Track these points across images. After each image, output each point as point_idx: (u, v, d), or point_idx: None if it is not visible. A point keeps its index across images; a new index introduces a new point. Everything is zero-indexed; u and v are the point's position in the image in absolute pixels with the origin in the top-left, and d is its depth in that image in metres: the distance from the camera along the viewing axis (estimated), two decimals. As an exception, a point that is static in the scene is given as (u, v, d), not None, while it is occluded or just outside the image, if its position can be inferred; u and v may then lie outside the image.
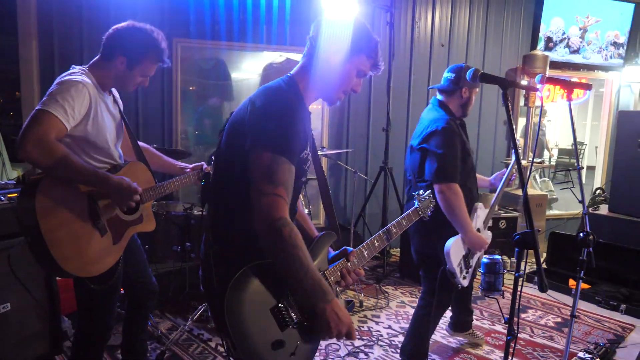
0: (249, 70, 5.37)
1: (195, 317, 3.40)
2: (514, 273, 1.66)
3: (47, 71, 4.21)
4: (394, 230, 1.89)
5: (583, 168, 2.52)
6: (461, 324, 3.40)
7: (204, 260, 1.60)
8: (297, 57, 5.84)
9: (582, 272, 2.47)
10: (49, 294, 2.89)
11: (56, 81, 1.95)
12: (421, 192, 2.00)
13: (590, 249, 2.41)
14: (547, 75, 2.30)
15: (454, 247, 2.59)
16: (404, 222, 1.91)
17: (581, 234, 2.41)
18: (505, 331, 3.49)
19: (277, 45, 4.85)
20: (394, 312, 3.93)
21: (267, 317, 1.45)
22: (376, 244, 1.79)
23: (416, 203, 1.96)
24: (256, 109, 1.49)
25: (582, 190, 2.48)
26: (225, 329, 1.39)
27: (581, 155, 9.69)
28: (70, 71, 2.02)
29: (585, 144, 10.36)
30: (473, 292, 3.53)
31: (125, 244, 2.14)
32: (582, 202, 2.46)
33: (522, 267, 1.69)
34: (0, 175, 3.74)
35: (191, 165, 2.56)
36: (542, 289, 1.65)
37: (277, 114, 1.46)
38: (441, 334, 3.53)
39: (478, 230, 2.82)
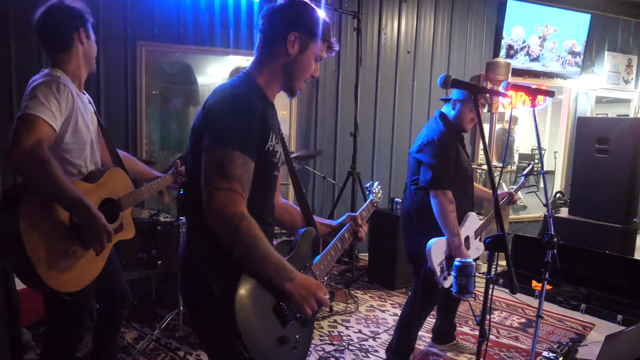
0: (215, 75, 5.32)
1: (162, 325, 3.33)
2: (483, 275, 1.70)
3: (3, 76, 4.05)
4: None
5: (547, 172, 2.60)
6: (443, 336, 3.42)
7: (186, 267, 1.57)
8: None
9: (547, 273, 2.53)
10: (8, 306, 2.78)
11: (33, 84, 1.85)
12: (370, 183, 2.09)
13: (555, 250, 2.48)
14: (511, 82, 2.36)
15: (436, 246, 2.70)
16: (365, 214, 1.97)
17: (546, 237, 2.48)
18: (472, 332, 3.58)
19: (246, 50, 4.82)
20: (364, 317, 3.94)
21: (270, 316, 1.48)
22: (346, 236, 1.83)
23: (371, 196, 2.04)
24: (208, 108, 1.47)
25: (546, 194, 2.56)
26: (224, 333, 1.41)
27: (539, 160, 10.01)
28: (43, 73, 1.92)
29: (545, 149, 10.70)
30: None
31: (108, 253, 2.08)
32: (546, 205, 2.53)
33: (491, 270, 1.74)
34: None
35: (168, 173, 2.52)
36: (513, 291, 1.69)
37: (228, 109, 1.44)
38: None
39: (467, 237, 2.93)
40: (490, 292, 1.74)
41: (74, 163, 1.98)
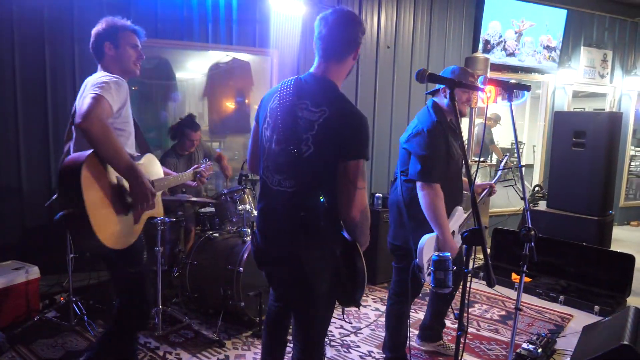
0: (194, 70, 5.26)
1: (141, 325, 3.27)
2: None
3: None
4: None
5: (524, 166, 2.61)
6: (430, 333, 3.29)
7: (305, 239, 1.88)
8: (244, 56, 5.71)
9: (525, 266, 2.56)
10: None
11: (94, 81, 2.11)
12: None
13: (532, 243, 2.50)
14: (488, 77, 2.37)
15: (428, 243, 2.62)
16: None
17: (523, 230, 2.50)
18: (452, 326, 3.59)
19: (225, 45, 4.76)
20: (346, 312, 3.94)
21: None
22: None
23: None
24: (346, 126, 1.89)
25: (523, 188, 2.57)
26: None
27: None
28: (103, 73, 2.24)
29: (524, 143, 10.83)
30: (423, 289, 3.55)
31: (142, 226, 2.31)
32: (524, 198, 2.55)
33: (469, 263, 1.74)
34: None
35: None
36: (490, 285, 1.70)
37: (362, 127, 1.91)
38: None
39: (453, 232, 2.86)
40: (468, 286, 1.75)
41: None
